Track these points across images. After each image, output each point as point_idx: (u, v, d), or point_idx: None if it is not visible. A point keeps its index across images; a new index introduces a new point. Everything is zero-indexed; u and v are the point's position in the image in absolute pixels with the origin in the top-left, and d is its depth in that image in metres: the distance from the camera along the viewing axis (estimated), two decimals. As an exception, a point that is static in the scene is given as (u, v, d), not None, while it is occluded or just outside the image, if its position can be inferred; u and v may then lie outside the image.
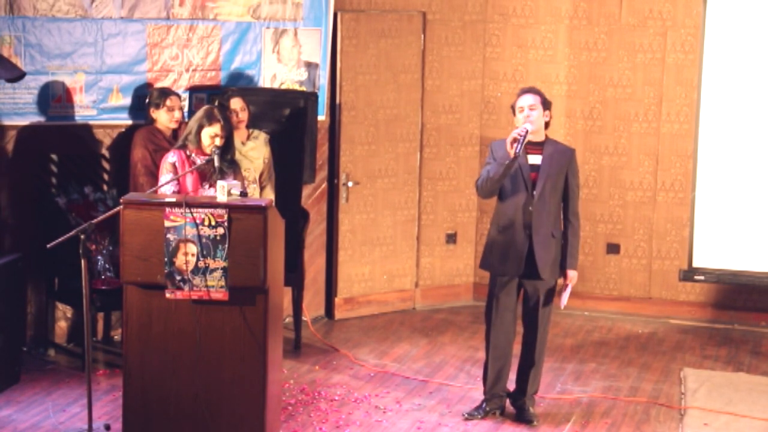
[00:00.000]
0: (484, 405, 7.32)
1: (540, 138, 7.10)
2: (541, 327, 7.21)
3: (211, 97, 8.42)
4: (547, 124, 7.15)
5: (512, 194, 7.09)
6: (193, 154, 7.05)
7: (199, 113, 7.05)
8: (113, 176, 8.33)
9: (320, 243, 9.32)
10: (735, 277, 9.09)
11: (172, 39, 8.48)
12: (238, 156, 7.66)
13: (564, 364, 8.44)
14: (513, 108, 7.14)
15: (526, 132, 6.93)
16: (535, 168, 7.07)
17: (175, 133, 8.02)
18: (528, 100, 7.07)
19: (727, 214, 9.04)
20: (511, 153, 6.90)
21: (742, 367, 8.49)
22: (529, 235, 7.07)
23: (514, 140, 6.90)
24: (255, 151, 7.88)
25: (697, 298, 9.54)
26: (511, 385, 7.38)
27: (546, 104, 7.12)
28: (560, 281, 7.25)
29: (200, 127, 6.98)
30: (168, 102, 7.99)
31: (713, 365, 8.52)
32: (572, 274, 7.21)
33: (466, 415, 7.31)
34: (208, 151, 6.94)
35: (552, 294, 7.23)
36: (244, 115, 7.92)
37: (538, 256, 7.07)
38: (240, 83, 8.66)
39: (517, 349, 7.32)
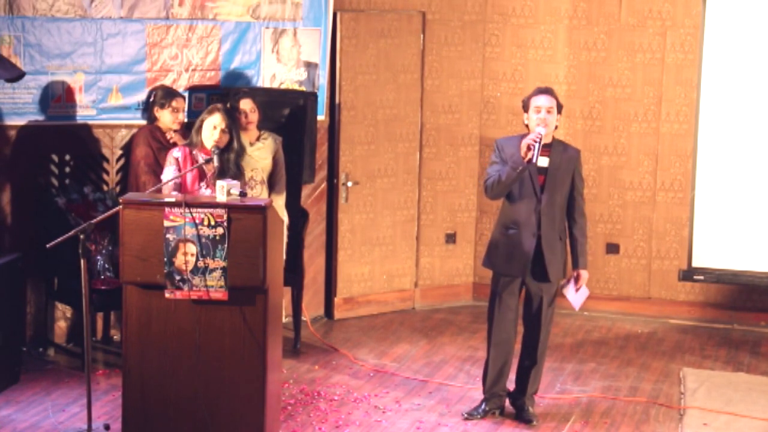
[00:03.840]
0: (483, 405, 7.32)
1: (548, 140, 7.07)
2: (544, 328, 7.20)
3: (210, 97, 8.43)
4: (555, 128, 7.14)
5: (519, 196, 7.06)
6: (196, 152, 7.06)
7: (202, 115, 7.10)
8: (113, 176, 8.33)
9: (320, 243, 9.32)
10: (735, 277, 9.09)
11: (172, 39, 8.48)
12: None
13: (564, 363, 8.44)
14: (525, 104, 7.08)
15: (540, 138, 6.90)
16: (542, 170, 7.04)
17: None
18: (546, 102, 7.02)
19: (727, 214, 9.04)
20: (526, 159, 6.87)
21: (741, 367, 8.49)
22: (538, 237, 7.06)
23: (529, 147, 6.88)
24: (262, 152, 7.87)
25: (697, 298, 9.54)
26: (511, 385, 7.38)
27: (560, 108, 7.10)
28: (562, 284, 7.23)
29: (201, 121, 7.00)
30: (174, 103, 8.00)
31: (713, 365, 8.52)
32: (584, 273, 7.20)
33: (465, 415, 7.31)
34: (208, 144, 6.94)
35: (555, 295, 7.22)
36: (253, 117, 7.90)
37: (547, 259, 7.06)
38: (239, 83, 8.66)
39: (517, 348, 7.32)
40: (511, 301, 7.17)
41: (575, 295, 7.23)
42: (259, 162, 7.86)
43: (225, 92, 8.29)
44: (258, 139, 7.92)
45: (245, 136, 7.83)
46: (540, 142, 6.89)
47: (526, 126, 7.09)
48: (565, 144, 7.23)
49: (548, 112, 7.01)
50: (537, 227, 7.06)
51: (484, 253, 7.32)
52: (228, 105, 7.79)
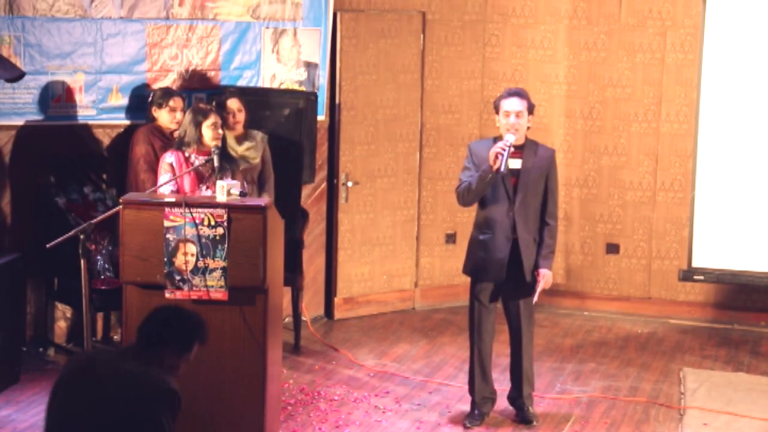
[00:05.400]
0: (476, 410, 7.26)
1: (520, 141, 7.00)
2: (525, 329, 7.14)
3: (210, 97, 8.43)
4: (527, 128, 7.06)
5: (492, 200, 7.01)
6: (192, 156, 7.07)
7: (189, 115, 7.13)
8: (113, 176, 8.32)
9: (320, 243, 9.32)
10: (735, 277, 9.08)
11: (172, 39, 8.48)
12: (235, 156, 7.67)
13: (564, 364, 8.44)
14: (496, 107, 7.02)
15: (509, 145, 6.82)
16: (515, 173, 6.97)
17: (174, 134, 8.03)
18: (515, 105, 6.93)
19: (727, 214, 9.04)
20: (494, 168, 6.81)
21: (741, 367, 8.49)
22: (513, 240, 7.01)
23: (498, 154, 6.81)
24: (252, 151, 7.87)
25: (697, 298, 9.54)
26: (503, 385, 7.37)
27: (531, 109, 7.01)
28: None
29: (198, 124, 7.03)
30: (171, 102, 7.99)
31: (713, 365, 8.52)
32: (545, 272, 7.07)
33: (467, 424, 7.24)
34: (212, 144, 6.99)
35: (533, 295, 7.18)
36: (241, 116, 7.91)
37: (525, 262, 7.02)
38: (239, 83, 8.67)
39: (500, 349, 7.31)
40: (490, 305, 7.13)
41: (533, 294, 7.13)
42: (251, 162, 7.85)
43: (222, 92, 8.29)
44: (245, 137, 7.91)
45: (232, 135, 7.84)
46: (508, 150, 6.79)
47: (498, 128, 7.05)
48: (538, 144, 7.13)
49: (518, 116, 6.92)
50: (512, 231, 7.00)
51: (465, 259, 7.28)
52: (214, 103, 7.81)
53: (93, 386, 4.59)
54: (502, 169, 6.80)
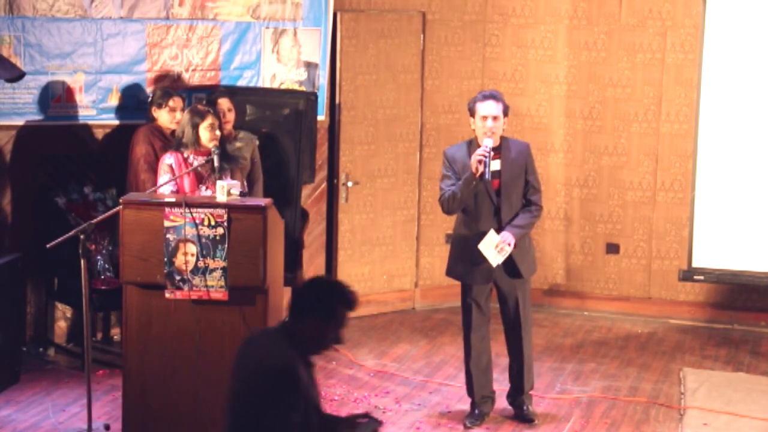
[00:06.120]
0: (476, 410, 7.26)
1: (496, 143, 6.98)
2: (524, 325, 7.15)
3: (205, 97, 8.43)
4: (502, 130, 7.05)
5: (475, 203, 7.00)
6: (191, 156, 7.07)
7: (186, 116, 7.12)
8: (113, 176, 8.32)
9: (320, 243, 9.32)
10: (735, 277, 9.08)
11: (172, 39, 8.48)
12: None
13: (564, 364, 8.44)
14: (471, 110, 7.01)
15: (489, 151, 6.82)
16: (495, 174, 6.97)
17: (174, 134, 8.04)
18: (492, 109, 6.92)
19: (727, 214, 9.03)
20: (477, 175, 6.79)
21: (741, 367, 8.49)
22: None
23: (479, 161, 6.80)
24: (242, 151, 7.85)
25: (697, 298, 9.54)
26: (503, 385, 7.36)
27: (506, 111, 6.99)
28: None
29: (195, 126, 7.03)
30: (171, 102, 7.99)
31: (713, 365, 8.52)
32: (505, 234, 6.91)
33: (467, 424, 7.23)
34: (209, 145, 6.98)
35: (529, 288, 7.18)
36: (230, 116, 7.88)
37: (516, 257, 7.01)
38: (239, 83, 8.67)
39: (500, 349, 7.31)
40: (483, 305, 7.12)
41: (492, 251, 7.00)
42: (241, 162, 7.84)
43: (212, 92, 8.27)
44: (235, 138, 7.91)
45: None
46: (489, 156, 6.80)
47: (474, 130, 7.04)
48: (512, 141, 7.15)
49: (494, 120, 6.91)
50: (498, 231, 7.01)
51: (447, 261, 7.27)
52: (204, 101, 7.80)
53: (239, 364, 4.63)
54: (486, 176, 6.80)
